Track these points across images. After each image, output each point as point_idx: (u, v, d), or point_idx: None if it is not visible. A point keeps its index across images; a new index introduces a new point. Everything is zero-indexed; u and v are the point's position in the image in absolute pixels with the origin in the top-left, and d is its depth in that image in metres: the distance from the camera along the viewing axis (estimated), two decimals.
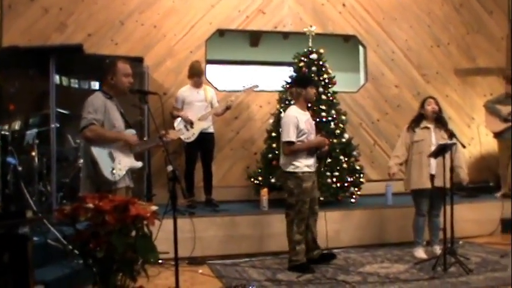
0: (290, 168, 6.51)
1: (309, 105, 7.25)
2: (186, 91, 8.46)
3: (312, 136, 6.62)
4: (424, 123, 7.06)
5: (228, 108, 8.48)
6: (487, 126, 9.99)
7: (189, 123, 8.22)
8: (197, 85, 8.48)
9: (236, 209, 8.25)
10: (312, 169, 6.58)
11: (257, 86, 8.77)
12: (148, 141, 6.56)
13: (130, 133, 5.30)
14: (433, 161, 6.83)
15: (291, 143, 6.45)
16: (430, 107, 7.04)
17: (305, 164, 6.49)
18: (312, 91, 6.69)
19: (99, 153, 4.97)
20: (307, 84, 6.73)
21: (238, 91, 8.78)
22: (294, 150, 6.47)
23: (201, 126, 8.28)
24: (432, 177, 6.89)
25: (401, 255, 7.29)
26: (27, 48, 7.70)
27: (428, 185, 6.90)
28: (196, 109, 8.33)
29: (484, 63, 11.07)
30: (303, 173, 6.47)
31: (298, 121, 6.48)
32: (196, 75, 8.44)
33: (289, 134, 6.45)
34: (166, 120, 7.63)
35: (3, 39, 8.53)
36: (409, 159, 7.13)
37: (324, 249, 7.03)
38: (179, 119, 8.27)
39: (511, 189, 9.44)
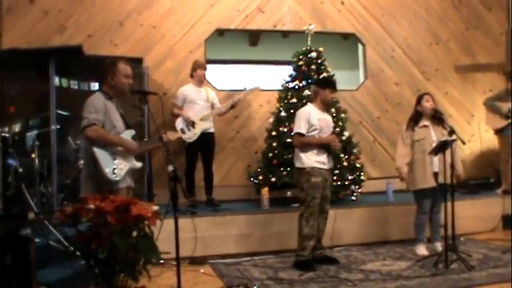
0: (299, 164, 6.63)
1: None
2: (189, 89, 8.45)
3: (322, 133, 6.65)
4: (422, 122, 7.05)
5: (233, 106, 8.50)
6: (487, 123, 9.96)
7: (190, 123, 8.22)
8: (200, 82, 8.49)
9: (237, 209, 8.25)
10: (324, 166, 6.59)
11: (259, 88, 8.79)
12: (148, 142, 6.55)
13: (130, 134, 5.29)
14: (435, 158, 6.83)
15: (301, 134, 6.57)
16: (429, 103, 7.03)
17: (315, 160, 6.55)
18: (328, 94, 6.74)
19: (101, 153, 4.96)
20: (325, 85, 6.82)
21: (239, 90, 8.78)
22: (304, 143, 6.59)
23: (202, 126, 8.28)
24: (436, 175, 6.90)
25: (403, 253, 7.29)
26: (27, 51, 7.70)
27: (433, 184, 6.89)
28: (198, 109, 8.33)
29: (484, 59, 11.07)
30: (312, 168, 6.53)
31: (310, 116, 6.60)
32: (199, 67, 8.45)
33: (299, 126, 6.60)
34: (166, 120, 7.64)
35: (3, 42, 8.53)
36: (411, 158, 7.10)
37: (326, 248, 7.03)
38: (180, 118, 8.26)
39: (511, 186, 9.46)
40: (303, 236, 6.57)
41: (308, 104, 6.98)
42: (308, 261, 6.57)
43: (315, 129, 6.58)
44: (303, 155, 6.59)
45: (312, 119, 6.58)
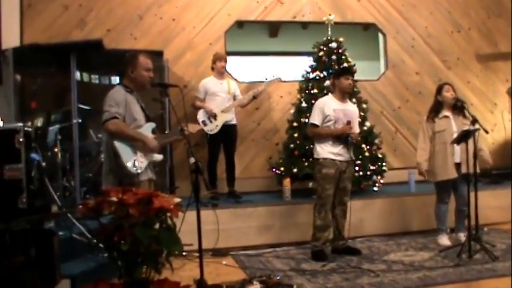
0: (315, 155, 6.69)
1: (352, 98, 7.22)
2: (210, 82, 8.45)
3: (339, 124, 6.57)
4: (442, 113, 7.01)
5: (254, 97, 8.48)
6: (510, 112, 9.88)
7: (212, 116, 8.22)
8: (220, 74, 8.48)
9: (259, 200, 8.26)
10: (339, 158, 6.55)
11: (280, 79, 8.76)
12: (168, 135, 6.57)
13: (151, 127, 5.31)
14: (457, 148, 6.79)
15: (314, 125, 6.60)
16: (449, 93, 6.99)
17: (328, 151, 6.54)
18: (344, 81, 6.67)
19: (121, 146, 4.98)
20: (339, 74, 6.78)
21: (260, 82, 8.78)
22: (316, 133, 6.65)
23: (224, 118, 8.28)
24: (458, 165, 6.85)
25: (425, 243, 7.26)
26: (47, 46, 7.75)
27: (454, 175, 6.86)
28: (220, 101, 8.32)
29: (506, 47, 10.96)
30: (325, 159, 6.53)
31: (324, 107, 6.59)
32: (219, 58, 8.45)
33: (313, 117, 6.63)
34: (187, 113, 7.65)
35: (24, 37, 8.60)
36: (431, 150, 7.06)
37: (349, 239, 6.99)
38: (202, 110, 8.27)
39: None
40: (315, 227, 6.63)
41: (329, 94, 6.95)
42: (321, 251, 6.60)
43: (329, 120, 6.56)
44: (318, 146, 6.63)
45: (326, 109, 6.56)
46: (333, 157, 6.53)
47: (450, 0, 10.73)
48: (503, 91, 10.15)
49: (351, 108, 6.86)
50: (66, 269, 4.90)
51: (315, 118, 6.60)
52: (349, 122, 6.56)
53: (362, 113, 8.46)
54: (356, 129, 6.74)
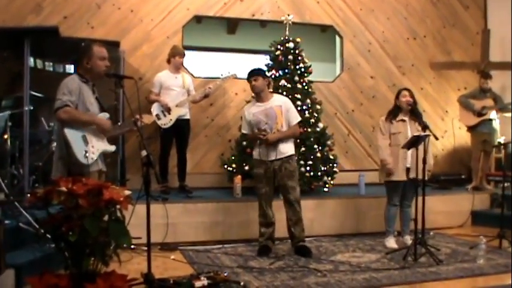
0: None
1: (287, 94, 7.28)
2: (165, 75, 8.40)
3: (261, 125, 6.71)
4: (400, 116, 7.11)
5: (206, 96, 8.47)
6: (460, 120, 10.07)
7: (166, 110, 8.18)
8: (176, 68, 8.43)
9: (209, 196, 8.23)
10: (267, 158, 6.69)
11: (235, 76, 8.76)
12: (122, 126, 6.53)
13: (104, 116, 5.28)
14: (409, 153, 6.88)
15: (244, 134, 7.23)
16: (405, 99, 7.09)
17: (257, 152, 6.83)
18: (250, 84, 6.90)
19: (73, 136, 4.95)
20: (248, 80, 7.01)
21: (215, 78, 8.77)
22: (248, 139, 7.37)
23: (178, 112, 8.24)
24: (408, 170, 6.95)
25: (373, 245, 7.35)
26: (1, 29, 7.60)
27: (403, 178, 6.97)
28: (174, 95, 8.29)
29: (459, 57, 11.16)
30: (255, 159, 6.86)
31: (245, 114, 6.94)
32: (178, 54, 8.39)
33: (242, 127, 7.12)
34: (141, 105, 7.59)
35: None
36: None
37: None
38: (156, 104, 8.22)
39: (481, 182, 9.59)
40: (259, 223, 6.90)
41: (252, 100, 7.29)
42: (265, 246, 6.80)
43: (252, 125, 6.82)
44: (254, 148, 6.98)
45: (247, 116, 6.90)
46: (260, 157, 6.76)
47: (408, 8, 10.86)
48: (454, 99, 10.33)
49: (274, 103, 6.85)
50: (12, 258, 4.82)
51: (243, 127, 7.06)
52: (259, 129, 6.69)
53: (316, 114, 8.54)
54: (278, 126, 6.72)
